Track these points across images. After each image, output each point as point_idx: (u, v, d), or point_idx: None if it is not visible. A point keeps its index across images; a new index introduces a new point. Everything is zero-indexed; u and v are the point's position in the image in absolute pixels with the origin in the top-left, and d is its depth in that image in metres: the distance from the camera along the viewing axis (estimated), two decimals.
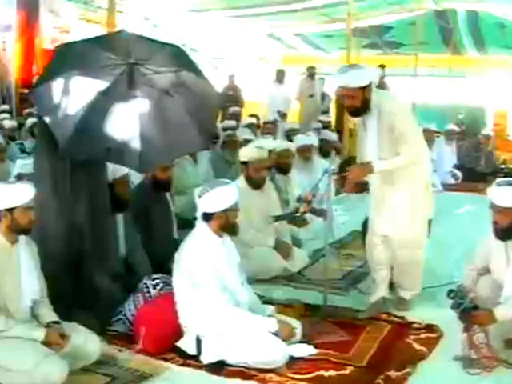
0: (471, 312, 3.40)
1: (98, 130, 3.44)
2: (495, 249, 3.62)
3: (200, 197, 3.45)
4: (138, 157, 3.45)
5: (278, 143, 6.35)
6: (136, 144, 3.45)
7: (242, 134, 7.53)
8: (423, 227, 4.18)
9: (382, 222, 4.11)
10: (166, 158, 3.92)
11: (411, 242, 4.09)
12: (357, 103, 3.89)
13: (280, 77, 11.44)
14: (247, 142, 6.92)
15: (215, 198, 3.42)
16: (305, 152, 6.62)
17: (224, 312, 3.37)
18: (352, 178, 3.96)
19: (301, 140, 6.77)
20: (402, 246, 4.09)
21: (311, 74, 11.61)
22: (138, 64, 3.59)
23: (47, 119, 3.52)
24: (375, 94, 3.93)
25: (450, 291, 3.51)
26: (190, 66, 3.88)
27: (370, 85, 3.88)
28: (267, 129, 8.94)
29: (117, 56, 3.59)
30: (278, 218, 4.58)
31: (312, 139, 7.02)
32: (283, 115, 10.94)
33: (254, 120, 9.28)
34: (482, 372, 3.32)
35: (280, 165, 5.90)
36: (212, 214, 3.43)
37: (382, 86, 9.18)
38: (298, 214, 4.99)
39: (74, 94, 3.46)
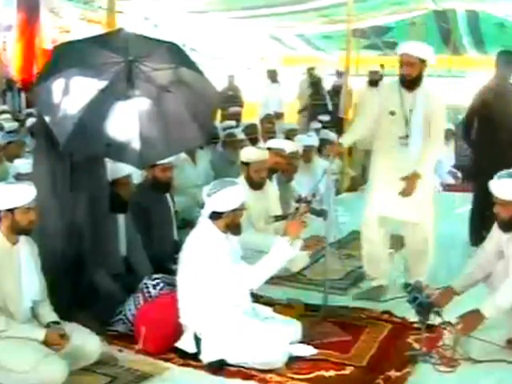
0: (427, 307, 3.46)
1: (98, 127, 3.45)
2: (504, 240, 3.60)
3: (209, 195, 3.46)
4: (138, 153, 3.45)
5: (287, 144, 6.28)
6: (135, 140, 3.45)
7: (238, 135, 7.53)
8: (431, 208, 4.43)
9: (395, 207, 4.29)
10: (165, 154, 3.91)
11: (424, 221, 4.39)
12: (414, 72, 4.19)
13: (272, 76, 11.40)
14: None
15: (226, 197, 3.44)
16: (306, 152, 6.61)
17: (224, 310, 3.38)
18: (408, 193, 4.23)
19: (302, 140, 6.75)
20: (416, 227, 4.37)
21: (311, 75, 11.59)
22: (136, 61, 3.60)
23: (47, 117, 3.52)
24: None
25: (407, 285, 3.55)
26: (188, 63, 3.89)
27: (426, 62, 4.21)
28: (268, 128, 8.92)
29: (115, 53, 3.59)
30: (277, 218, 4.58)
31: (313, 140, 7.01)
32: (280, 115, 10.92)
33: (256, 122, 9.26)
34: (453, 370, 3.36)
35: (287, 166, 5.84)
36: (221, 213, 3.44)
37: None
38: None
39: (73, 92, 3.46)
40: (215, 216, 3.47)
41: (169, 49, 3.86)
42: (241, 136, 7.40)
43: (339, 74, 11.29)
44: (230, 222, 3.48)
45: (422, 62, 4.20)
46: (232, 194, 3.46)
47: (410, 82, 4.24)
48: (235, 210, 3.46)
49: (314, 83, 10.95)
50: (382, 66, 11.37)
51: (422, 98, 4.24)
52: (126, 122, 3.46)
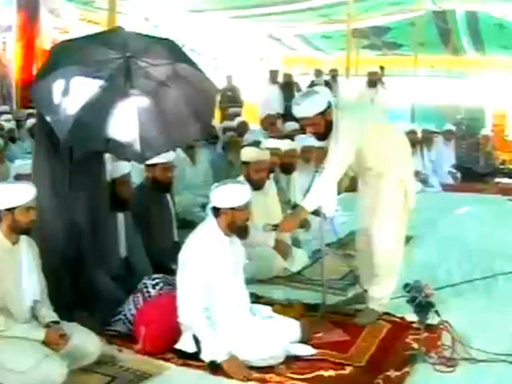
0: (426, 307, 3.45)
1: (97, 123, 3.45)
2: None
3: (213, 190, 3.49)
4: (138, 147, 3.45)
5: (284, 143, 6.30)
6: (135, 135, 3.45)
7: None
8: (393, 231, 3.97)
9: (362, 216, 4.14)
10: (165, 147, 3.91)
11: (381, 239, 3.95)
12: (320, 129, 3.84)
13: (273, 77, 11.39)
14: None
15: (224, 193, 3.44)
16: (306, 153, 6.60)
17: (223, 310, 3.39)
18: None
19: (303, 141, 6.74)
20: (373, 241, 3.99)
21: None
22: (134, 57, 3.60)
23: (47, 116, 3.52)
24: (336, 114, 3.81)
25: (406, 285, 3.55)
26: (186, 59, 3.91)
27: (328, 107, 3.79)
28: (270, 128, 8.91)
29: (114, 50, 3.60)
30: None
31: (314, 140, 6.98)
32: (281, 115, 10.91)
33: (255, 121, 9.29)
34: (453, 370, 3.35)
35: (284, 165, 5.87)
36: (219, 209, 3.45)
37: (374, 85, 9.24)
38: None
39: (72, 89, 3.46)
40: (216, 213, 3.47)
41: (166, 45, 3.88)
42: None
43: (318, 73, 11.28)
44: (231, 222, 3.45)
45: (323, 113, 3.78)
46: (231, 192, 3.45)
47: (322, 135, 3.90)
48: (234, 209, 3.44)
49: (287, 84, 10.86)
50: (382, 68, 11.38)
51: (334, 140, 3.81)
52: (126, 117, 3.46)
